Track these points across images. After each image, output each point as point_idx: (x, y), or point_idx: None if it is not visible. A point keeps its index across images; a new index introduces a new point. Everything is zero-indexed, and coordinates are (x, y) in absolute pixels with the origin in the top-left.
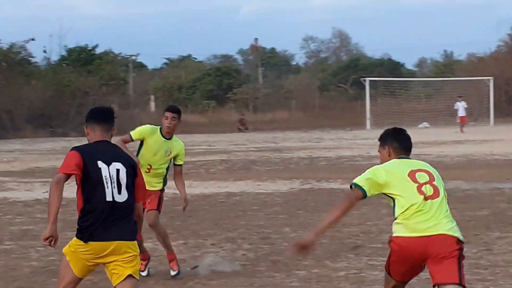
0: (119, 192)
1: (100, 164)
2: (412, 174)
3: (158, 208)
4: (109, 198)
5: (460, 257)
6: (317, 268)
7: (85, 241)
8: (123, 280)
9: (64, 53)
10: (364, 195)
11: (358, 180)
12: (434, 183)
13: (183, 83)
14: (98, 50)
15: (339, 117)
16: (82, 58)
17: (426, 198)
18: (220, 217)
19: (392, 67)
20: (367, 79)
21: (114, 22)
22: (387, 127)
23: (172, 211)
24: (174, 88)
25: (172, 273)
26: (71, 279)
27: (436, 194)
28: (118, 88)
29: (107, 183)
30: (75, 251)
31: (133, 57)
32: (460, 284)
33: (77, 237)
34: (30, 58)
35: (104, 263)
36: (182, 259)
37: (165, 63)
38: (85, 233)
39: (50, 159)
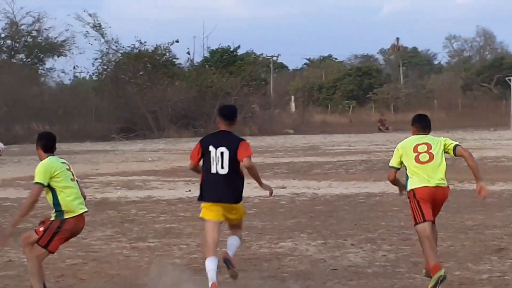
0: (222, 167)
1: (211, 148)
2: (416, 147)
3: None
4: (213, 171)
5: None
6: (459, 270)
7: (203, 200)
8: (231, 227)
9: (207, 54)
10: (398, 168)
11: (391, 163)
12: (431, 151)
13: (323, 83)
14: (240, 51)
15: (482, 117)
16: (224, 59)
17: (421, 163)
18: (360, 217)
19: None
20: None
21: (256, 23)
22: None
23: (312, 211)
24: (315, 89)
25: None
26: (212, 225)
27: (430, 159)
28: (259, 88)
29: (213, 161)
30: (203, 207)
31: (274, 58)
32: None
33: (199, 199)
34: (174, 60)
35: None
36: (321, 259)
37: (305, 64)
38: (201, 195)
39: None
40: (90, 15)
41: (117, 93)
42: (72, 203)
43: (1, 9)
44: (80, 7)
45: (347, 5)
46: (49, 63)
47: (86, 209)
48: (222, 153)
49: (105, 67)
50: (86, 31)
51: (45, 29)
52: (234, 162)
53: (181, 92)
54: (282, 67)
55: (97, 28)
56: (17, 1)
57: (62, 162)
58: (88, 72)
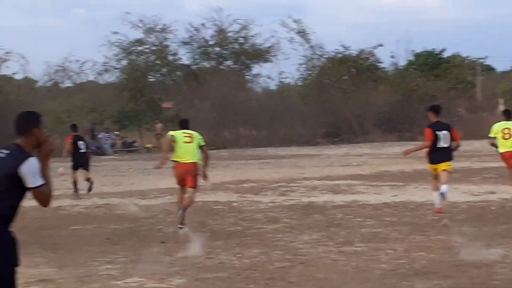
0: (444, 142)
1: (437, 132)
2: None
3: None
4: (440, 145)
5: None
6: None
7: (431, 163)
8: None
9: (411, 57)
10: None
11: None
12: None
13: None
14: (445, 54)
15: None
16: (429, 62)
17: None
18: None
19: None
20: None
21: (461, 24)
22: None
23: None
24: None
25: None
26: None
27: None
28: (465, 91)
29: (440, 139)
30: (430, 167)
31: (481, 60)
32: None
33: (430, 163)
34: (378, 64)
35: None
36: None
37: None
38: (431, 160)
39: (398, 163)
40: (295, 21)
41: (321, 97)
42: None
43: (209, 17)
44: (285, 14)
45: None
46: (255, 69)
47: None
48: (444, 134)
49: (309, 72)
50: (291, 37)
51: (252, 36)
52: (450, 139)
53: (386, 96)
54: (489, 69)
55: (302, 33)
56: (225, 9)
57: None
58: (293, 77)
